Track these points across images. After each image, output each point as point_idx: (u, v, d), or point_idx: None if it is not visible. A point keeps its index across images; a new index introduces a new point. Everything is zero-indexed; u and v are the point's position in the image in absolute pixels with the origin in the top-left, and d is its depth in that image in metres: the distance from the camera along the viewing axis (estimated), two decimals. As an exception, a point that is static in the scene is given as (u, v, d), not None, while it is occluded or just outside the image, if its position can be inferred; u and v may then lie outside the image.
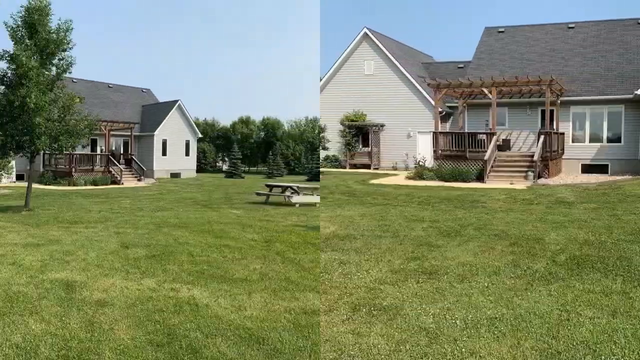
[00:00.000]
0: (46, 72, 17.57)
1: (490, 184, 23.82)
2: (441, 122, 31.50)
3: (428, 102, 35.33)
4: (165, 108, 49.23)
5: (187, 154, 50.37)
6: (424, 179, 25.85)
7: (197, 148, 53.99)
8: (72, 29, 17.86)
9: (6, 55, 16.83)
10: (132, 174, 40.35)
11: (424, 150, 34.30)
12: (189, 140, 50.42)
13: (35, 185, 25.11)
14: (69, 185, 33.30)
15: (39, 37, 17.09)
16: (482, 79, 27.16)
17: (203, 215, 17.21)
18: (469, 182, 24.49)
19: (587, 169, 29.67)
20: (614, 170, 28.82)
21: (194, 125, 51.36)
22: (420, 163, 31.20)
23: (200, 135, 53.28)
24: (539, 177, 24.44)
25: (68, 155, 34.76)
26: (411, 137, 36.60)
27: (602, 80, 30.36)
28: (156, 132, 46.36)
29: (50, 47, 17.31)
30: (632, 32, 33.26)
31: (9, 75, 17.32)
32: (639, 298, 6.87)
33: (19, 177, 37.13)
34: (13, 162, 31.34)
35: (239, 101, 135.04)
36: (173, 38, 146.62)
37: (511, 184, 23.50)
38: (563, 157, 29.81)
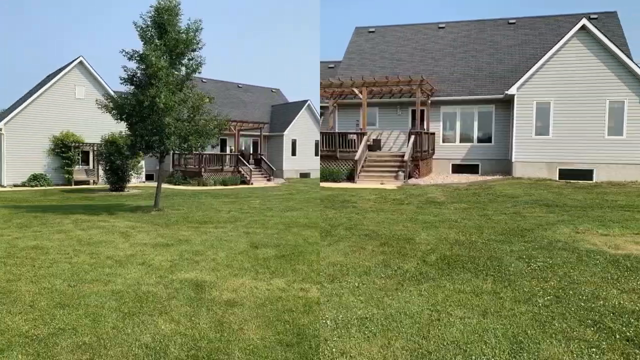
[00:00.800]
0: (175, 72, 18.06)
1: (361, 184, 24.85)
2: (312, 122, 32.76)
3: (300, 103, 35.32)
4: (294, 108, 50.44)
5: (316, 154, 51.09)
6: (295, 178, 26.45)
7: (331, 148, 54.65)
8: (201, 29, 18.26)
9: (136, 55, 17.40)
10: (262, 174, 41.57)
11: (295, 150, 34.16)
12: (318, 141, 51.09)
13: (164, 185, 26.34)
14: (198, 185, 34.81)
15: (168, 37, 17.61)
16: (352, 79, 28.50)
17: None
18: (340, 182, 25.55)
19: (458, 169, 30.75)
20: (484, 170, 30.07)
21: (323, 126, 51.99)
22: (291, 163, 31.42)
23: (331, 135, 53.82)
24: (410, 177, 25.61)
25: (197, 155, 36.38)
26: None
27: (472, 80, 31.25)
28: (285, 132, 47.57)
29: (180, 47, 17.76)
30: (502, 32, 34.41)
31: (139, 75, 17.90)
32: (509, 298, 7.10)
33: (149, 177, 39.32)
34: (142, 162, 33.10)
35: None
36: (302, 38, 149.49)
37: (382, 184, 24.42)
38: (434, 157, 31.04)
